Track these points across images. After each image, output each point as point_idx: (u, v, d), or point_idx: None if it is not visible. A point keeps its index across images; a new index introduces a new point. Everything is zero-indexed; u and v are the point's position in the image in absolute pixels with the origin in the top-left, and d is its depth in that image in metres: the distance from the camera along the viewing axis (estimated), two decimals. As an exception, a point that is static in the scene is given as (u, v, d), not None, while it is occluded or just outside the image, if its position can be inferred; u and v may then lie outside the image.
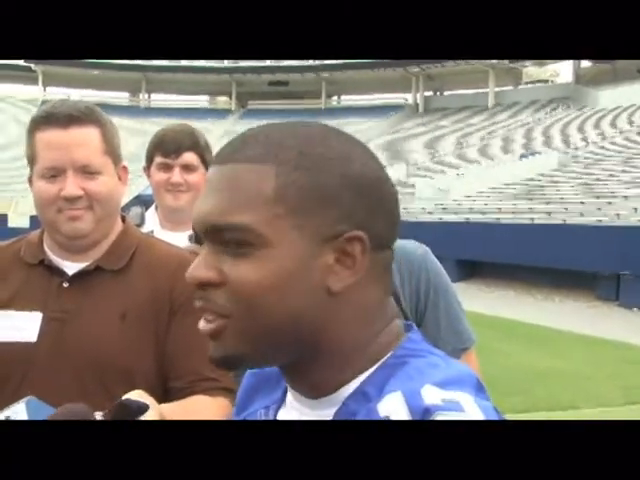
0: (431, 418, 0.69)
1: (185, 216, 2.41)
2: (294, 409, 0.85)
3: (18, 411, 1.26)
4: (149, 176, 2.41)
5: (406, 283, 1.78)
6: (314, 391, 0.82)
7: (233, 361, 0.81)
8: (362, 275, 0.78)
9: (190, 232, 2.24)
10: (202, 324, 0.80)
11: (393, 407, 0.72)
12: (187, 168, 2.36)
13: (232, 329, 0.78)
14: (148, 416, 1.29)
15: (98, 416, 1.24)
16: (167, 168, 2.36)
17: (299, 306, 0.77)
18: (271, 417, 0.88)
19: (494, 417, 0.72)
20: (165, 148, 2.36)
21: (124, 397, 1.29)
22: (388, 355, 0.81)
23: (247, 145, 0.80)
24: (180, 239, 1.84)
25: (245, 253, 0.76)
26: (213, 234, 0.78)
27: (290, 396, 0.87)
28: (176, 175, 2.34)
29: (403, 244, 1.81)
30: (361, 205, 0.78)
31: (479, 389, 0.77)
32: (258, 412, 0.91)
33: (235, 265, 0.77)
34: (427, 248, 1.89)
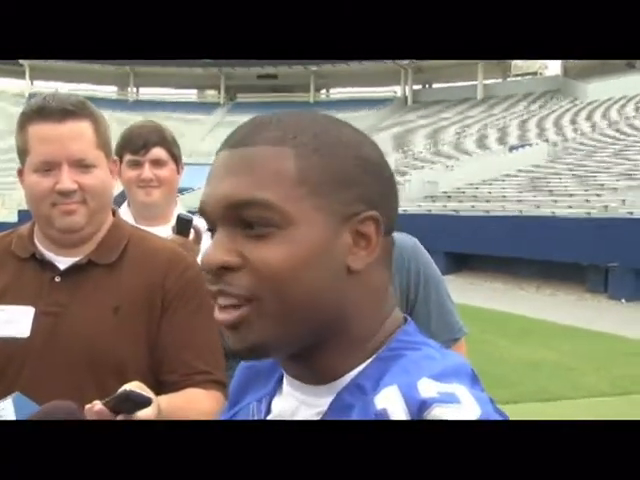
0: (428, 410, 0.70)
1: (158, 211, 2.42)
2: (291, 396, 0.85)
3: (5, 407, 1.27)
4: (119, 174, 2.42)
5: (396, 275, 1.79)
6: (318, 377, 0.82)
7: (260, 349, 0.78)
8: (375, 257, 0.81)
9: (167, 226, 2.25)
10: (222, 315, 0.78)
11: (389, 400, 0.73)
12: (156, 163, 2.38)
13: (258, 313, 0.77)
14: (148, 410, 1.29)
15: (98, 404, 1.24)
16: (136, 165, 2.38)
17: (323, 285, 0.78)
18: (264, 409, 0.88)
19: (490, 408, 0.72)
20: (133, 145, 2.38)
21: (126, 387, 1.29)
22: (383, 347, 0.82)
23: (262, 129, 0.80)
24: (157, 234, 1.85)
25: (267, 234, 0.76)
26: (232, 214, 0.77)
27: (287, 384, 0.87)
28: (146, 171, 2.36)
29: (392, 236, 1.80)
30: (374, 187, 0.81)
31: (474, 380, 0.77)
32: (250, 405, 0.91)
33: (257, 247, 0.76)
34: (416, 240, 1.90)
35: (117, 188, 1.92)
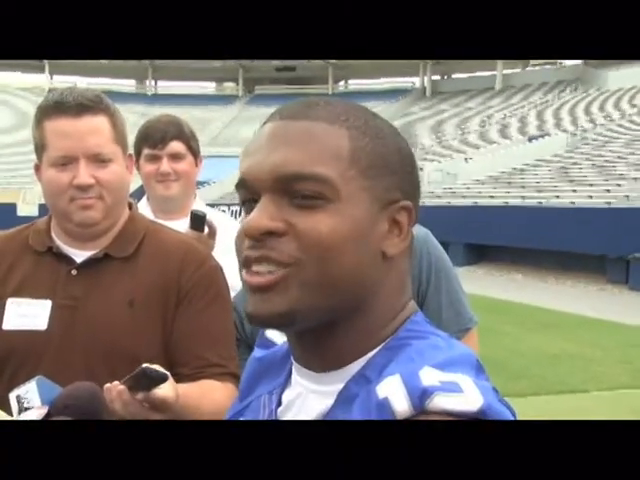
0: (429, 399, 0.70)
1: (177, 205, 2.43)
2: (299, 385, 0.85)
3: (29, 390, 1.28)
4: (138, 169, 2.43)
5: None
6: (327, 363, 0.82)
7: (289, 316, 0.78)
8: (406, 245, 0.83)
9: (185, 219, 2.26)
10: (255, 277, 0.78)
11: (391, 389, 0.72)
12: (174, 157, 2.38)
13: (295, 278, 0.77)
14: (166, 387, 1.32)
15: (119, 385, 1.28)
16: (155, 159, 2.39)
17: (362, 263, 0.79)
18: (275, 400, 0.88)
19: (493, 398, 0.71)
20: (151, 139, 2.39)
21: (144, 365, 1.31)
22: (391, 336, 0.82)
23: (315, 107, 0.82)
24: (174, 228, 1.86)
25: (315, 205, 0.77)
26: (283, 184, 0.78)
27: (295, 373, 0.87)
28: (164, 165, 2.37)
29: None
30: (408, 178, 0.85)
31: (479, 369, 0.77)
32: (262, 397, 0.91)
33: (305, 216, 0.77)
34: (427, 230, 1.89)
35: (136, 182, 1.93)
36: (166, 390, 1.32)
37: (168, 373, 1.34)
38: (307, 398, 0.84)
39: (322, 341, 0.81)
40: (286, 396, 0.88)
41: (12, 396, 1.29)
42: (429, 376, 0.71)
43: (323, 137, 0.79)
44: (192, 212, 2.24)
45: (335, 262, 0.77)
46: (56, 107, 1.59)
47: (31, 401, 1.27)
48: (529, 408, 5.58)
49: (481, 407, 0.69)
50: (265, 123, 0.83)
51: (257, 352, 0.98)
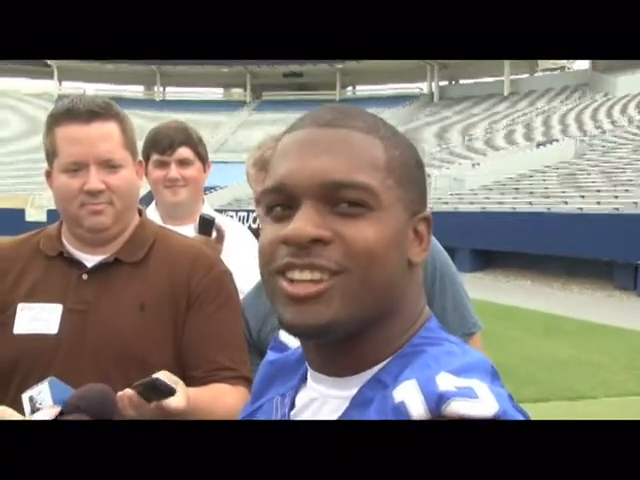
0: (446, 404, 0.70)
1: (185, 211, 2.44)
2: (313, 390, 0.86)
3: (41, 390, 1.29)
4: (146, 174, 2.45)
5: None
6: (344, 369, 0.82)
7: (333, 326, 0.78)
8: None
9: (194, 225, 2.27)
10: (297, 288, 0.78)
11: (408, 393, 0.73)
12: (183, 163, 2.40)
13: (339, 288, 0.77)
14: (176, 399, 1.33)
15: (129, 390, 1.30)
16: (163, 165, 2.40)
17: (399, 270, 0.81)
18: (288, 403, 0.89)
19: (508, 404, 0.72)
20: (159, 145, 2.40)
21: (155, 375, 1.32)
22: (406, 344, 0.82)
23: (349, 115, 0.83)
24: (183, 233, 1.87)
25: (358, 213, 0.79)
26: (326, 192, 0.78)
27: (310, 378, 0.87)
28: (172, 171, 2.39)
29: None
30: (425, 189, 0.88)
31: (494, 376, 0.78)
32: (274, 399, 0.92)
33: (349, 224, 0.78)
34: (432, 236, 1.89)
35: (144, 188, 1.94)
36: (178, 400, 1.34)
37: (180, 386, 1.36)
38: (323, 403, 0.84)
39: (343, 349, 0.82)
40: (300, 399, 0.88)
41: (25, 397, 1.30)
42: (445, 382, 0.72)
43: (362, 147, 0.81)
44: (201, 216, 2.25)
45: (379, 270, 0.78)
46: (67, 114, 1.61)
47: (43, 402, 1.28)
48: (538, 414, 5.54)
49: (497, 412, 0.70)
50: (295, 129, 0.83)
51: (270, 355, 0.98)
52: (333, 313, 0.78)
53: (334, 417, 0.81)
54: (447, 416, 0.70)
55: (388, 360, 0.82)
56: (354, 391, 0.81)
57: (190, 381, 1.59)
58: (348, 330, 0.79)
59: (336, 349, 0.82)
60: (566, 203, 21.25)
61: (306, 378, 0.89)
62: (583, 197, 21.47)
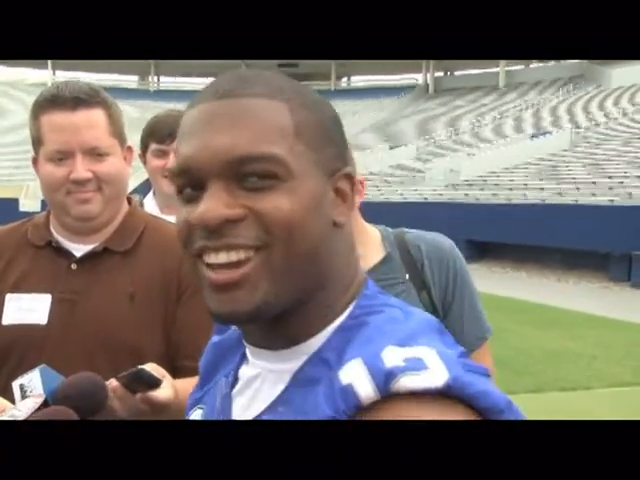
0: (395, 380, 0.67)
1: None
2: (254, 366, 0.83)
3: (32, 378, 1.28)
4: (145, 163, 2.43)
5: (436, 274, 1.86)
6: (282, 342, 0.80)
7: (257, 312, 0.75)
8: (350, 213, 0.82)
9: None
10: (220, 275, 0.75)
11: (354, 374, 0.70)
12: None
13: (264, 266, 0.74)
14: (162, 391, 1.33)
15: (113, 381, 1.30)
16: (162, 154, 2.40)
17: (321, 236, 0.77)
18: (231, 379, 0.86)
19: (458, 368, 0.69)
20: (158, 134, 2.40)
21: (141, 367, 1.32)
22: (345, 315, 0.80)
23: (247, 81, 0.78)
24: (172, 222, 1.86)
25: (269, 186, 0.74)
26: (232, 168, 0.74)
27: (249, 354, 0.85)
28: (172, 160, 2.36)
29: (432, 237, 1.92)
30: (344, 145, 0.83)
31: (442, 332, 0.76)
32: (221, 381, 0.89)
33: (261, 198, 0.74)
34: (452, 241, 1.96)
35: (141, 177, 1.92)
36: (164, 392, 1.33)
37: (167, 379, 1.35)
38: (264, 379, 0.81)
39: (277, 324, 0.79)
40: (242, 376, 0.85)
41: (15, 384, 1.29)
42: (392, 356, 0.69)
43: (266, 114, 0.76)
44: None
45: (301, 240, 0.75)
46: (52, 101, 1.58)
47: (34, 389, 1.27)
48: (532, 405, 5.56)
49: (447, 381, 0.67)
50: (196, 103, 0.79)
51: (214, 338, 0.96)
52: (259, 297, 0.75)
53: (276, 391, 0.79)
54: (397, 392, 0.68)
55: (329, 335, 0.79)
56: (294, 364, 0.78)
57: (180, 370, 1.57)
58: (279, 309, 0.76)
59: (270, 326, 0.79)
60: (561, 195, 21.31)
61: (246, 353, 0.86)
62: (578, 189, 21.52)
